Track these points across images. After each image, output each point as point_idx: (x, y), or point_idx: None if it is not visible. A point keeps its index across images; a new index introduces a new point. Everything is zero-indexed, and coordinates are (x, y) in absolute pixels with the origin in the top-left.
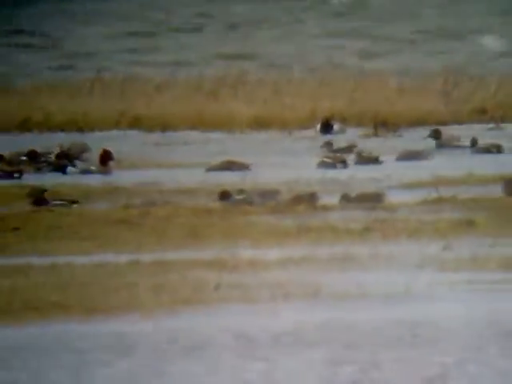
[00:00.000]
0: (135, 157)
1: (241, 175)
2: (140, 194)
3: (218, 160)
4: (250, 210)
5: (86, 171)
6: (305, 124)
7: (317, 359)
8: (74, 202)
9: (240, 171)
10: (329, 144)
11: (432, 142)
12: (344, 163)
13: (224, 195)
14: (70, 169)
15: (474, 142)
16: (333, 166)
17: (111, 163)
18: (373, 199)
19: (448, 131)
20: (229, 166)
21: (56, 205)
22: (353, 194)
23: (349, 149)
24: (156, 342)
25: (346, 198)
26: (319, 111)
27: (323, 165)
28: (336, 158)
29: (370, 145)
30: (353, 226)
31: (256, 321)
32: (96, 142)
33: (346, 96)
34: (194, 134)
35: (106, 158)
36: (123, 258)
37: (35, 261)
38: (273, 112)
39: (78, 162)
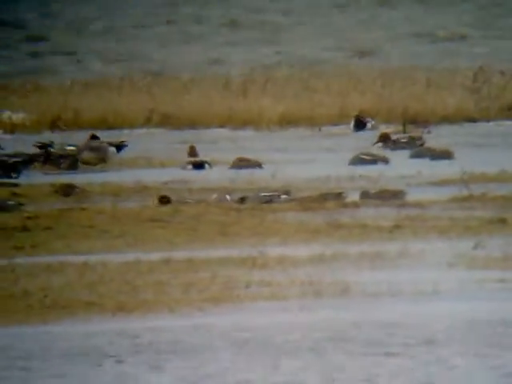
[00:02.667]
0: (164, 155)
1: (270, 172)
2: (169, 192)
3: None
4: (278, 207)
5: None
6: (334, 120)
7: (349, 356)
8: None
9: (254, 168)
10: (386, 138)
11: (460, 139)
12: (385, 160)
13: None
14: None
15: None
16: (373, 162)
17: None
18: (393, 196)
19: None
20: (241, 163)
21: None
22: (372, 191)
23: (409, 143)
24: (187, 339)
25: (365, 195)
26: (348, 108)
27: (359, 161)
28: (375, 155)
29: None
30: (383, 223)
31: (286, 318)
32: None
33: (375, 92)
34: (223, 132)
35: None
36: (154, 256)
37: (67, 259)
38: (302, 108)
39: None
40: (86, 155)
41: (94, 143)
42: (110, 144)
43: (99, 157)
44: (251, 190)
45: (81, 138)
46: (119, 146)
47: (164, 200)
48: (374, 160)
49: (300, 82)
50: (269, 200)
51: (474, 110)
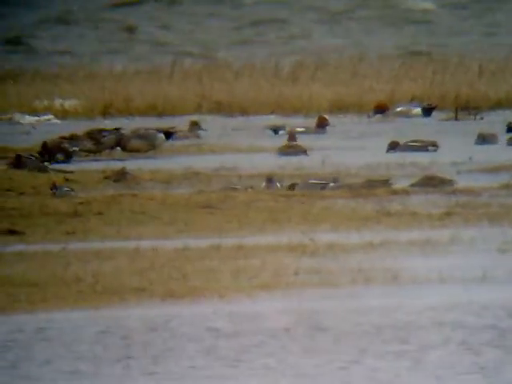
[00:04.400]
0: (215, 141)
1: (320, 159)
2: (220, 178)
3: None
4: (328, 193)
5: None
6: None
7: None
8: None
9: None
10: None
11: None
12: (435, 145)
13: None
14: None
15: None
16: (423, 148)
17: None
18: (441, 184)
19: None
20: (288, 150)
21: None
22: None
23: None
24: (235, 325)
25: (411, 184)
26: (399, 94)
27: (408, 148)
28: (424, 141)
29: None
30: (433, 210)
31: (336, 306)
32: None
33: (427, 78)
34: (273, 119)
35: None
36: (204, 243)
37: (118, 245)
38: (352, 95)
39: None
40: (134, 142)
41: (142, 130)
42: (159, 131)
43: (148, 144)
44: (299, 177)
45: (133, 124)
46: (168, 133)
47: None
48: (424, 146)
49: (350, 68)
50: (319, 187)
51: None
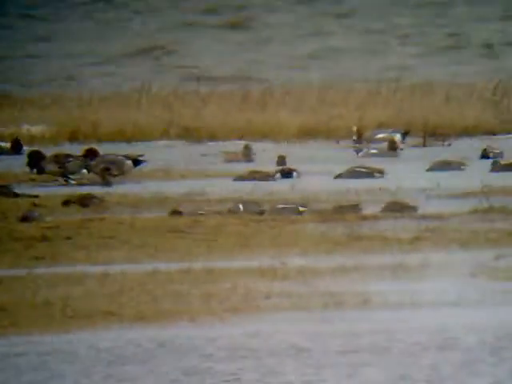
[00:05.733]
0: (183, 167)
1: (289, 184)
2: (188, 203)
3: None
4: (298, 218)
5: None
6: (351, 134)
7: (371, 371)
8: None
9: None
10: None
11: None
12: (381, 173)
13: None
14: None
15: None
16: (369, 175)
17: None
18: (406, 209)
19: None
20: (252, 176)
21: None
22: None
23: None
24: (205, 348)
25: (379, 208)
26: (367, 120)
27: (355, 174)
28: (371, 168)
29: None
30: (403, 235)
31: (307, 329)
32: (144, 152)
33: (394, 105)
34: (241, 144)
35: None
36: (174, 267)
37: (87, 270)
38: (320, 121)
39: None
40: (101, 168)
41: (110, 156)
42: (127, 157)
43: (116, 170)
44: (268, 202)
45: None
46: (136, 161)
47: (176, 213)
48: (370, 173)
49: (317, 95)
50: (287, 212)
51: (493, 123)
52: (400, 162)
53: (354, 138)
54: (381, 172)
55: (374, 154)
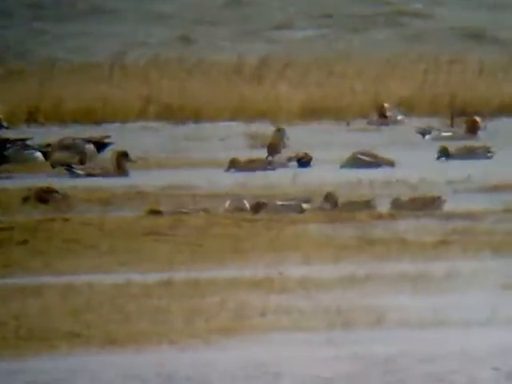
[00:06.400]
0: (163, 154)
1: (290, 176)
2: (169, 199)
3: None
4: (299, 217)
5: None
6: (366, 113)
7: None
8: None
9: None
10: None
11: None
12: (391, 163)
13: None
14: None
15: None
16: (376, 165)
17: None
18: (430, 205)
19: None
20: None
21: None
22: (404, 199)
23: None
24: (190, 377)
25: (396, 204)
26: (383, 97)
27: (356, 163)
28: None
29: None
30: (426, 238)
31: (310, 353)
32: (117, 135)
33: (417, 79)
34: (234, 126)
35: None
36: (151, 278)
37: (47, 281)
38: (327, 98)
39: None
40: (58, 155)
41: (67, 140)
42: (88, 141)
43: (74, 157)
44: (266, 198)
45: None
46: (100, 144)
47: (154, 212)
48: (376, 163)
49: (325, 66)
50: (288, 209)
51: None
52: (419, 147)
53: (375, 117)
54: (390, 162)
55: (446, 137)
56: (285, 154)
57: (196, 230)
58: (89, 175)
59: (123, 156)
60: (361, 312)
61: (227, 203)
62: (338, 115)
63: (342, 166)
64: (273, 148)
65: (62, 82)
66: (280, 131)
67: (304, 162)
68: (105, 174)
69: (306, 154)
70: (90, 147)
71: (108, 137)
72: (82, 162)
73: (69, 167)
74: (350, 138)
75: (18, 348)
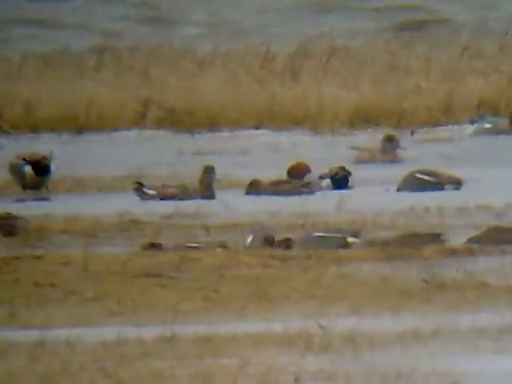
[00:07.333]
0: (165, 171)
1: (332, 201)
2: (174, 230)
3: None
4: (346, 254)
5: None
6: (438, 119)
7: None
8: None
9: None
10: None
11: None
12: (458, 183)
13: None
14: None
15: None
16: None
17: None
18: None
19: None
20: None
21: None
22: (485, 229)
23: None
24: None
25: (475, 237)
26: (459, 97)
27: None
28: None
29: None
30: None
31: None
32: (105, 147)
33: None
34: (260, 136)
35: None
36: (150, 333)
37: (12, 337)
38: (384, 99)
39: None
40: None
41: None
42: (25, 161)
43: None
44: (300, 228)
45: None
46: (40, 165)
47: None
48: (439, 183)
49: (382, 58)
50: (329, 244)
51: None
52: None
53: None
54: (457, 181)
55: (487, 131)
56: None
57: (209, 271)
58: (163, 197)
59: (208, 171)
60: (427, 378)
61: (249, 237)
62: (399, 121)
63: (400, 189)
64: (297, 170)
65: (32, 79)
66: (391, 139)
67: (339, 179)
68: (184, 194)
69: (341, 168)
70: (29, 169)
71: (48, 155)
72: (24, 187)
73: (139, 187)
74: (414, 152)
75: None
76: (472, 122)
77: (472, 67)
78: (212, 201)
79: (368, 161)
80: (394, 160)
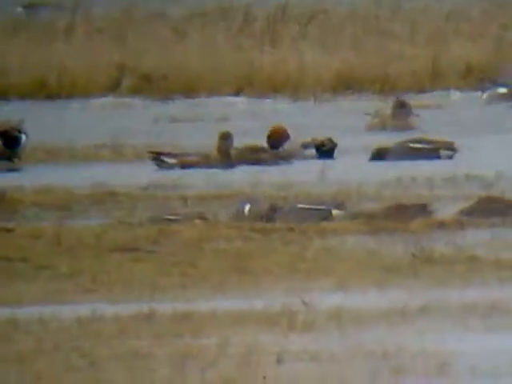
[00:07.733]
0: (141, 141)
1: (314, 170)
2: (151, 202)
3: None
4: (330, 227)
5: None
6: (423, 85)
7: None
8: None
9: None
10: None
11: None
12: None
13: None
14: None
15: None
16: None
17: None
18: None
19: None
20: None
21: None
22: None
23: None
24: None
25: (464, 209)
26: (444, 62)
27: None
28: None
29: None
30: (505, 255)
31: None
32: (78, 115)
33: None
34: (238, 103)
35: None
36: (126, 310)
37: None
38: (368, 64)
39: None
40: None
41: None
42: None
43: None
44: (282, 200)
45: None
46: (9, 136)
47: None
48: (433, 149)
49: (365, 22)
50: (313, 216)
51: None
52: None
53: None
54: (451, 147)
55: (502, 96)
56: (298, 139)
57: (188, 245)
58: (183, 166)
59: (226, 138)
60: (415, 357)
61: (247, 207)
62: (383, 87)
63: (373, 158)
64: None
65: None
66: (403, 104)
67: (325, 150)
68: (205, 162)
69: (328, 139)
70: None
71: (20, 125)
72: None
73: (157, 156)
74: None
75: None
76: (483, 90)
77: (458, 31)
78: (191, 170)
79: (379, 128)
80: (407, 127)
